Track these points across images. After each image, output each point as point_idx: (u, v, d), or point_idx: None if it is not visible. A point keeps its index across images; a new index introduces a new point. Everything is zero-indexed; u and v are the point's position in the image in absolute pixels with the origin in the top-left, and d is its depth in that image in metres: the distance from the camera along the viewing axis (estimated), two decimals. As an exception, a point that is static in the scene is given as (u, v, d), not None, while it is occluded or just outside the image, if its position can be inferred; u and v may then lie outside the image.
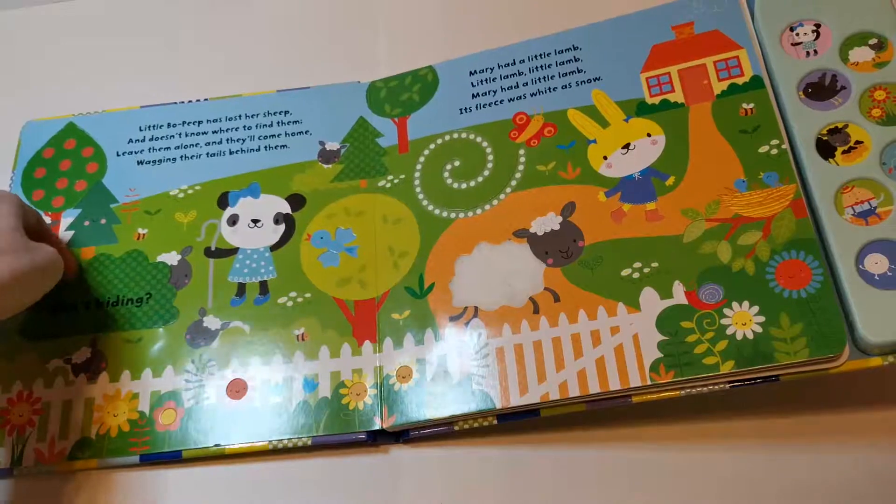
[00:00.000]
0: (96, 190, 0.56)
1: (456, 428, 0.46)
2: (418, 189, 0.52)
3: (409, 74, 0.57)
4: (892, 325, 0.41)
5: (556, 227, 0.48)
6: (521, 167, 0.51)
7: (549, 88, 0.53)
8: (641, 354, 0.44)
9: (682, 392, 0.43)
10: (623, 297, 0.45)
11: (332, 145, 0.56)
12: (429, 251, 0.50)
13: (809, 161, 0.46)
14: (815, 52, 0.49)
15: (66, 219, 0.55)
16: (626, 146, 0.50)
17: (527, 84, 0.54)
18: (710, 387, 0.43)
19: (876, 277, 0.42)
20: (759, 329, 0.42)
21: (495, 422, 0.45)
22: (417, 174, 0.53)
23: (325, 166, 0.55)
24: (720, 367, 0.42)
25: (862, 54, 0.48)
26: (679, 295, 0.45)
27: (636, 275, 0.46)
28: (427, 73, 0.56)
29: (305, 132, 0.57)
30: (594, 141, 0.50)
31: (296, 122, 0.57)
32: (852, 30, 0.49)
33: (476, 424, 0.46)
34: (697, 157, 0.48)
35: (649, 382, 0.43)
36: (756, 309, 0.43)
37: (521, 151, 0.51)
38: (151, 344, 0.51)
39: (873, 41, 0.48)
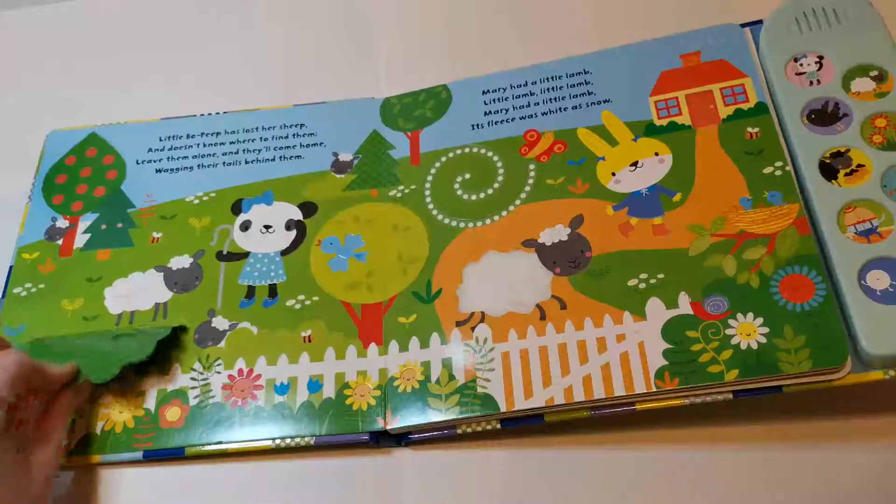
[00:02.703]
0: (115, 195, 0.58)
1: (459, 431, 0.46)
2: (428, 199, 0.53)
3: (424, 92, 0.58)
4: (894, 339, 0.41)
5: (564, 238, 0.49)
6: (530, 181, 0.52)
7: (560, 108, 0.54)
8: (647, 362, 0.44)
9: (687, 401, 0.44)
10: (629, 306, 0.46)
11: (345, 156, 0.57)
12: (437, 258, 0.51)
13: (813, 182, 0.47)
14: (819, 81, 0.51)
15: (84, 222, 0.57)
16: (634, 164, 0.51)
17: (538, 104, 0.55)
18: (714, 396, 0.43)
19: (878, 293, 0.43)
20: (763, 340, 0.43)
21: (499, 426, 0.46)
22: (428, 185, 0.54)
23: (338, 176, 0.56)
24: (724, 375, 0.43)
25: (863, 85, 0.50)
26: (684, 305, 0.45)
27: (642, 285, 0.46)
28: (441, 91, 0.58)
29: (320, 144, 0.58)
30: (603, 158, 0.52)
31: (311, 134, 0.58)
32: (854, 62, 0.50)
33: (479, 428, 0.46)
34: (704, 176, 0.49)
35: (654, 389, 0.43)
36: (760, 320, 0.44)
37: (531, 166, 0.53)
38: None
39: (874, 73, 0.50)
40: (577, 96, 0.55)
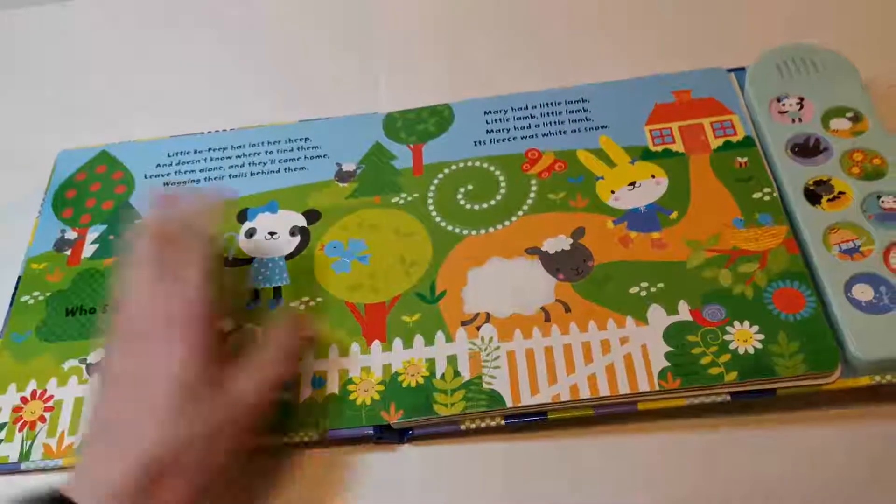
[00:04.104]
0: (123, 208, 0.59)
1: (462, 427, 0.47)
2: (431, 207, 0.55)
3: (427, 109, 0.60)
4: (879, 345, 0.44)
5: (567, 248, 0.51)
6: (532, 194, 0.54)
7: (560, 131, 0.57)
8: (650, 362, 0.46)
9: (686, 401, 0.45)
10: (631, 311, 0.48)
11: (348, 166, 0.58)
12: (440, 262, 0.52)
13: (798, 207, 0.50)
14: (800, 119, 0.55)
15: (92, 234, 0.57)
16: (632, 184, 0.54)
17: (538, 126, 0.58)
18: (713, 397, 0.45)
19: (863, 304, 0.46)
20: (759, 345, 0.45)
21: (503, 422, 0.46)
22: (431, 194, 0.55)
23: (341, 185, 0.57)
24: (724, 377, 0.45)
25: (841, 124, 0.54)
26: (684, 312, 0.47)
27: (643, 293, 0.49)
28: (444, 110, 0.60)
29: (323, 156, 0.59)
30: (602, 178, 0.54)
31: (315, 147, 0.60)
32: (832, 104, 0.55)
33: (483, 424, 0.46)
34: (698, 198, 0.52)
35: (657, 388, 0.45)
36: (756, 328, 0.46)
37: (533, 182, 0.55)
38: None
39: (850, 114, 0.54)
40: (575, 121, 0.58)
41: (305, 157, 0.59)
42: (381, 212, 0.55)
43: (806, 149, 0.53)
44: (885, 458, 0.44)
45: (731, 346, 0.46)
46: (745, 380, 0.44)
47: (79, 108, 0.67)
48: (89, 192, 0.60)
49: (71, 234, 0.57)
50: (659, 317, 0.47)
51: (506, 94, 0.60)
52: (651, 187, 0.53)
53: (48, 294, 0.54)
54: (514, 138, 0.57)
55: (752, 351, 0.45)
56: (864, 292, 0.46)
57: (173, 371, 0.40)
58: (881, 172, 0.51)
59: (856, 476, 0.43)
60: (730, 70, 0.59)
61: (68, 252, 0.56)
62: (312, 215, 0.56)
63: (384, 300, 0.51)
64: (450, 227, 0.54)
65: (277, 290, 0.53)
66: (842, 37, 0.58)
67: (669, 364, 0.45)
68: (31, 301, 0.54)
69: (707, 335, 0.46)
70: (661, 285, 0.49)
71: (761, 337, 0.46)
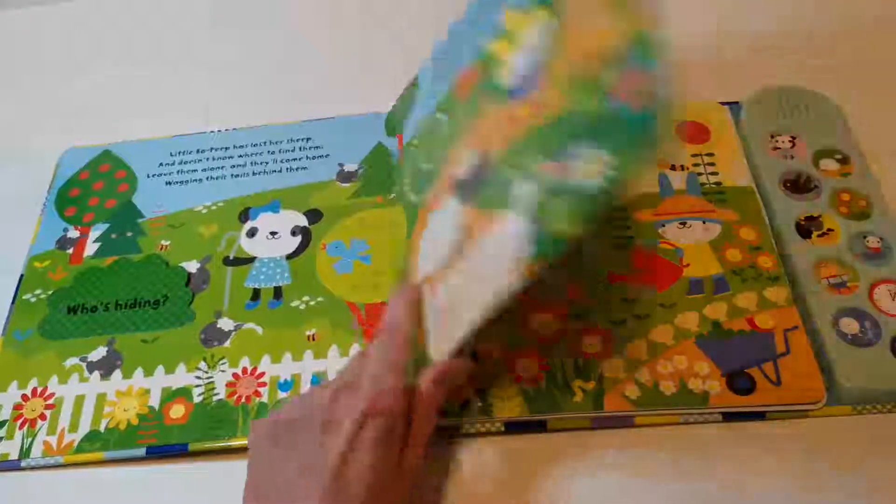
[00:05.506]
0: (125, 207, 0.59)
1: (462, 431, 0.47)
2: (433, 209, 0.55)
3: (406, 90, 0.59)
4: (864, 375, 0.47)
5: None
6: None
7: None
8: None
9: (681, 419, 0.47)
10: None
11: (350, 167, 0.59)
12: (444, 266, 0.53)
13: (791, 239, 0.53)
14: (793, 157, 0.57)
15: (95, 232, 0.57)
16: None
17: None
18: (706, 416, 0.47)
19: (849, 337, 0.48)
20: None
21: (503, 428, 0.47)
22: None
23: (343, 185, 0.58)
24: None
25: (830, 164, 0.56)
26: None
27: None
28: (413, 81, 0.58)
29: (325, 156, 0.60)
30: None
31: (316, 147, 0.61)
32: (822, 145, 0.57)
33: (483, 429, 0.47)
34: None
35: None
36: None
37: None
38: (166, 344, 0.51)
39: (839, 156, 0.57)
40: None
41: (307, 157, 0.60)
42: (383, 211, 0.56)
43: (797, 185, 0.56)
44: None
45: None
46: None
47: (79, 108, 0.67)
48: (92, 190, 0.60)
49: (73, 233, 0.57)
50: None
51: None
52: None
53: (50, 292, 0.54)
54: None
55: None
56: (850, 325, 0.49)
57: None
58: (866, 214, 0.54)
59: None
60: (724, 103, 0.61)
61: (71, 250, 0.56)
62: (314, 215, 0.56)
63: (385, 300, 0.51)
64: (453, 230, 0.54)
65: (279, 290, 0.53)
66: (837, 79, 0.61)
67: None
68: (33, 299, 0.54)
69: None
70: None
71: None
